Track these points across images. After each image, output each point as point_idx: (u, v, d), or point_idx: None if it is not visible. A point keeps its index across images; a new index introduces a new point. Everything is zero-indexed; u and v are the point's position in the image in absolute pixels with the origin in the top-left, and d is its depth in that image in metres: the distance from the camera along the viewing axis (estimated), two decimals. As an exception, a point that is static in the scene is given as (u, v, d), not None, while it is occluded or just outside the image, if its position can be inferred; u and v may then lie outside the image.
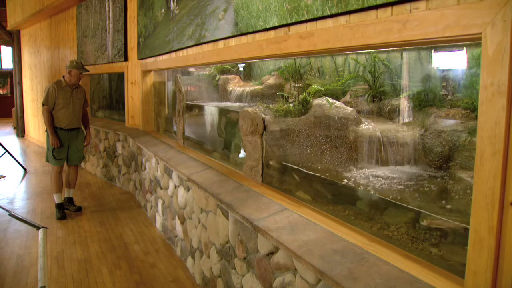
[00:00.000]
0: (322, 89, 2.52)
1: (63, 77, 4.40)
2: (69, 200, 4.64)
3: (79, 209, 4.61)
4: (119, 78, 6.40)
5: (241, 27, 2.55)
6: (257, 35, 2.42)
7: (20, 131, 10.62)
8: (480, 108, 1.14)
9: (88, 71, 4.55)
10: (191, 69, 4.63)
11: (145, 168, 4.59)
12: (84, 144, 4.60)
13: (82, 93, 4.56)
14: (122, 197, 5.23)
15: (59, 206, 4.46)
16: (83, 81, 7.19)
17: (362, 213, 1.95)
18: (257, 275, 2.10)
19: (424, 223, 1.62)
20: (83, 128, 4.67)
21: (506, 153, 1.10)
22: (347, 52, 2.32)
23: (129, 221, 4.31)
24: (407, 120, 2.03)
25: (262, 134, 2.53)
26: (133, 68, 5.48)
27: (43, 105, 4.35)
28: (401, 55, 2.10)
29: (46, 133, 4.46)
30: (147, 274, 3.12)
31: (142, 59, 5.05)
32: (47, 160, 4.47)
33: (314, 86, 2.56)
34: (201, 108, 4.24)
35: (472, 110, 1.74)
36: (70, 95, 4.37)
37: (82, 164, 6.89)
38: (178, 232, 3.46)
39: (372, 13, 1.58)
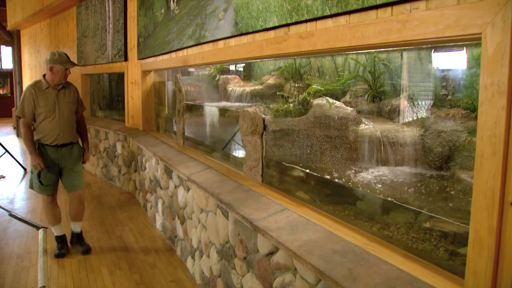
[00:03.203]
0: (322, 89, 2.52)
1: (44, 76, 3.29)
2: (77, 237, 3.52)
3: (87, 250, 3.44)
4: (119, 78, 6.40)
5: (241, 27, 2.55)
6: (257, 35, 2.42)
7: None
8: (480, 108, 1.14)
9: (77, 64, 3.49)
10: (191, 69, 4.63)
11: (145, 168, 4.59)
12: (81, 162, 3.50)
13: (72, 94, 3.39)
14: (122, 197, 5.23)
15: (59, 240, 3.48)
16: (83, 82, 7.18)
17: (362, 213, 1.95)
18: (257, 275, 2.10)
19: (427, 225, 1.62)
20: (80, 141, 3.58)
21: (506, 153, 1.10)
22: (347, 52, 2.32)
23: (129, 221, 4.31)
24: (407, 120, 2.03)
25: (262, 134, 2.53)
26: (133, 68, 5.48)
27: (18, 117, 3.28)
28: (401, 55, 2.10)
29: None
30: (147, 274, 3.12)
31: (142, 59, 5.05)
32: (31, 187, 3.36)
33: (314, 86, 2.56)
34: (201, 108, 4.24)
35: (472, 110, 1.74)
36: (54, 100, 3.24)
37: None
38: (178, 232, 3.46)
39: (372, 13, 1.58)
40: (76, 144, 3.46)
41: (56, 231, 3.48)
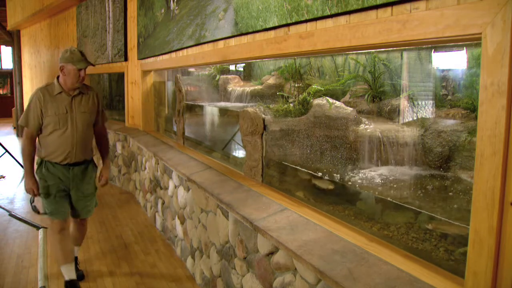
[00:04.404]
0: (322, 89, 2.52)
1: (57, 78, 2.67)
2: None
3: (80, 277, 2.93)
4: (119, 78, 6.40)
5: (241, 27, 2.55)
6: (257, 35, 2.42)
7: (20, 131, 10.62)
8: (480, 108, 1.14)
9: (93, 64, 2.88)
10: (191, 69, 4.63)
11: (145, 168, 4.59)
12: (99, 184, 2.90)
13: (91, 102, 2.75)
14: (122, 197, 5.23)
15: (71, 285, 2.71)
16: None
17: (362, 213, 1.95)
18: (257, 275, 2.10)
19: (430, 227, 1.62)
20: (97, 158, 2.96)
21: (506, 153, 1.10)
22: (347, 52, 2.32)
23: (129, 221, 4.31)
24: (407, 120, 2.03)
25: (262, 134, 2.53)
26: (133, 68, 5.49)
27: (22, 127, 2.66)
28: (401, 55, 2.10)
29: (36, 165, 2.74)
30: (147, 274, 3.12)
31: (142, 59, 5.05)
32: (34, 210, 2.81)
33: (314, 86, 2.56)
34: (201, 108, 4.24)
35: (472, 110, 1.74)
36: (67, 108, 2.62)
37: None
38: (178, 232, 3.46)
39: (372, 13, 1.58)
40: (91, 163, 2.84)
41: (66, 272, 2.71)
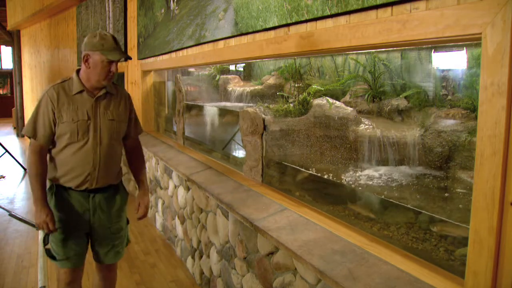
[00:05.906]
0: (322, 89, 2.52)
1: (77, 72, 1.96)
2: None
3: None
4: (119, 78, 6.40)
5: (241, 27, 2.55)
6: (257, 35, 2.42)
7: (20, 131, 10.63)
8: (480, 108, 1.14)
9: (130, 57, 2.06)
10: (191, 69, 4.63)
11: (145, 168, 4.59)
12: (136, 215, 2.16)
13: (122, 107, 2.05)
14: (122, 197, 5.22)
15: None
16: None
17: (362, 213, 1.95)
18: (257, 275, 2.10)
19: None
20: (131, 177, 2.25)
21: (506, 153, 1.10)
22: (347, 52, 2.32)
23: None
24: (407, 120, 2.03)
25: (262, 134, 2.53)
26: (133, 68, 5.49)
27: (28, 137, 1.91)
28: (401, 55, 2.10)
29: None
30: (147, 274, 3.12)
31: (142, 59, 5.05)
32: (49, 255, 2.04)
33: (314, 86, 2.56)
34: (201, 108, 4.24)
35: (472, 110, 1.74)
36: (88, 113, 1.92)
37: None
38: (178, 232, 3.46)
39: (372, 13, 1.58)
40: (119, 188, 2.13)
41: None
